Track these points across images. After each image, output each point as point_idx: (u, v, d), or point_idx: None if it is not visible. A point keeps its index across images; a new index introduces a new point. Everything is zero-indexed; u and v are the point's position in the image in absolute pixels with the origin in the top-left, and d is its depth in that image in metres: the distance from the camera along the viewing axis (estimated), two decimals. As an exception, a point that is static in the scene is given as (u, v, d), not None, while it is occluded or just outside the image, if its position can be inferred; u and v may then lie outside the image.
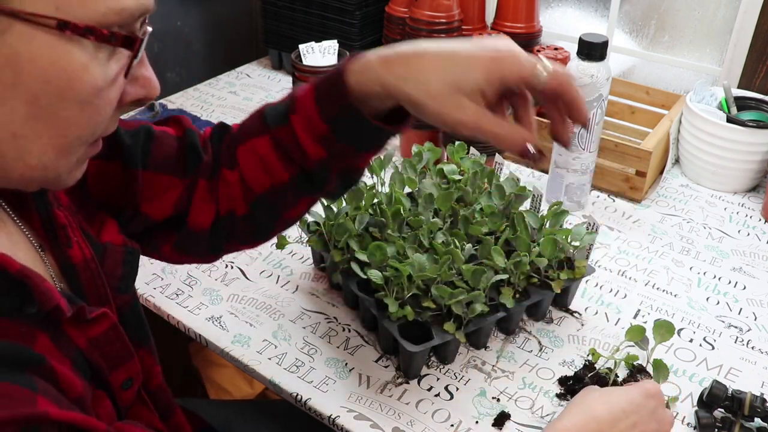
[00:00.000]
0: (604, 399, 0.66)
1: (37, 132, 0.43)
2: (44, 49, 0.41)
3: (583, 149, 1.07)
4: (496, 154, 1.06)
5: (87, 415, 0.47)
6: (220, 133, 0.71)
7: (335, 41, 1.32)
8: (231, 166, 0.69)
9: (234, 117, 1.45)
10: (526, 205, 0.96)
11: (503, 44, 0.58)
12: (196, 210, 0.69)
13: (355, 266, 0.83)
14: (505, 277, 0.82)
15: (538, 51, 1.39)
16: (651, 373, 0.81)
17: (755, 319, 0.93)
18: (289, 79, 1.61)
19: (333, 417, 0.78)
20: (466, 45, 0.58)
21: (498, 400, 0.80)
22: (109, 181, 0.66)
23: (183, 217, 0.69)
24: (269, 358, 0.85)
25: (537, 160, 0.59)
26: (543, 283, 0.87)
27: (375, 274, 0.80)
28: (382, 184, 0.98)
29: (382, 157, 0.97)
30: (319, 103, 0.61)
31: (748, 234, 1.11)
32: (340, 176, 0.67)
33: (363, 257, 0.83)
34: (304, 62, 1.29)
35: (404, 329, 0.79)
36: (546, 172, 1.20)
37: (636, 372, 0.81)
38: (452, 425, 0.77)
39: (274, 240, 1.05)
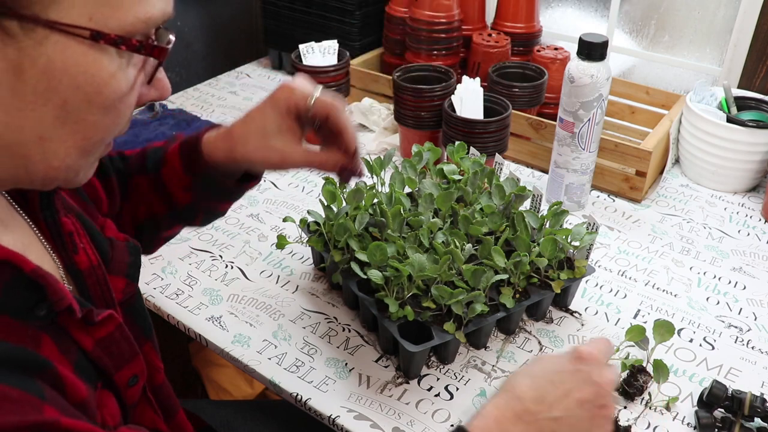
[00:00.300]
0: (530, 374, 0.62)
1: (63, 135, 0.45)
2: (77, 57, 0.43)
3: (583, 149, 1.07)
4: (496, 154, 1.06)
5: (91, 418, 0.48)
6: (122, 161, 0.79)
7: (335, 41, 1.32)
8: (124, 196, 0.79)
9: (234, 117, 1.44)
10: (526, 205, 0.96)
11: (285, 83, 0.71)
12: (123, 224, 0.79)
13: (355, 266, 0.83)
14: (505, 277, 0.82)
15: (538, 51, 1.39)
16: (651, 373, 0.81)
17: (755, 319, 0.93)
18: (289, 79, 1.61)
19: (333, 417, 0.78)
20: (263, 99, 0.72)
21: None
22: (101, 196, 0.72)
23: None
24: (269, 358, 0.85)
25: (350, 177, 0.72)
26: (543, 283, 0.87)
27: (375, 274, 0.80)
28: (382, 184, 0.98)
29: (382, 157, 0.97)
30: (182, 161, 0.74)
31: (748, 234, 1.11)
32: (206, 213, 0.81)
33: (363, 257, 0.83)
34: (304, 62, 1.29)
35: (404, 329, 0.79)
36: (546, 171, 1.20)
37: (636, 372, 0.81)
38: (452, 425, 0.77)
39: (274, 240, 1.06)
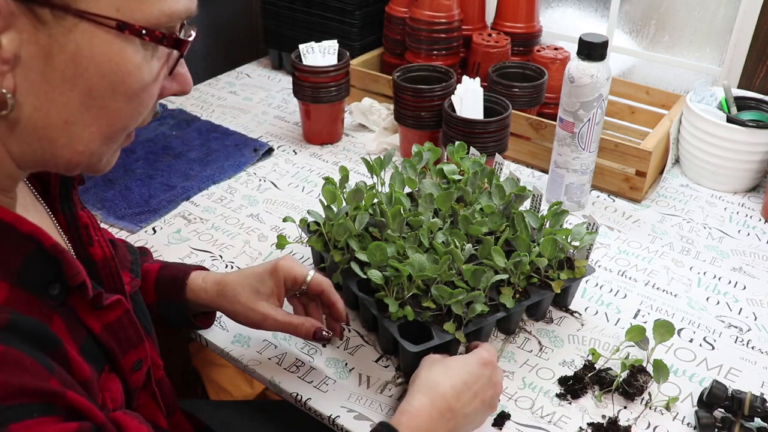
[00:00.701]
0: (448, 374, 0.71)
1: (88, 121, 0.47)
2: (103, 46, 0.45)
3: (583, 149, 1.07)
4: (496, 154, 1.06)
5: (92, 397, 0.49)
6: None
7: (335, 41, 1.32)
8: None
9: (234, 117, 1.45)
10: (526, 205, 0.96)
11: (288, 257, 0.80)
12: None
13: (354, 266, 0.83)
14: (505, 277, 0.82)
15: (538, 51, 1.39)
16: (651, 373, 0.81)
17: (755, 319, 0.93)
18: (289, 79, 1.61)
19: (333, 417, 0.78)
20: (262, 264, 0.80)
21: (498, 400, 0.80)
22: None
23: None
24: (269, 358, 0.85)
25: (330, 340, 0.80)
26: (543, 283, 0.87)
27: (375, 274, 0.80)
28: (382, 184, 0.98)
29: (382, 157, 0.97)
30: (158, 282, 0.79)
31: (748, 234, 1.11)
32: None
33: (363, 257, 0.83)
34: (304, 62, 1.29)
35: (404, 329, 0.79)
36: (546, 171, 1.20)
37: (636, 372, 0.81)
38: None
39: (275, 240, 1.06)
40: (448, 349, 0.83)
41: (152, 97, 0.50)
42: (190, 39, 0.50)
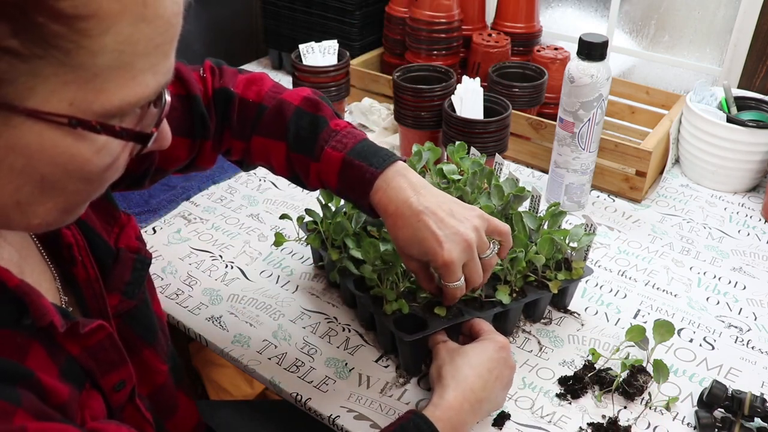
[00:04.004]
0: (472, 366, 0.73)
1: (43, 200, 0.44)
2: (55, 140, 0.41)
3: (583, 149, 1.07)
4: (496, 154, 1.06)
5: (70, 419, 0.49)
6: (225, 99, 0.78)
7: (335, 41, 1.32)
8: (241, 139, 0.78)
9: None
10: (525, 205, 0.96)
11: (456, 248, 0.68)
12: (203, 160, 0.80)
13: (348, 263, 0.83)
14: (499, 268, 0.82)
15: (538, 51, 1.39)
16: (651, 373, 0.81)
17: (755, 319, 0.93)
18: (289, 79, 1.61)
19: (333, 417, 0.78)
20: (438, 231, 0.68)
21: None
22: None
23: (192, 162, 0.80)
24: (269, 358, 0.85)
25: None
26: (540, 284, 0.87)
27: (367, 269, 0.80)
28: (382, 184, 0.98)
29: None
30: (340, 178, 0.73)
31: (748, 234, 1.11)
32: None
33: (357, 254, 0.83)
34: (304, 62, 1.29)
35: (401, 327, 0.79)
36: (546, 171, 1.20)
37: (636, 372, 0.81)
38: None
39: (274, 239, 1.06)
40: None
41: (117, 170, 0.46)
42: (154, 133, 0.46)
